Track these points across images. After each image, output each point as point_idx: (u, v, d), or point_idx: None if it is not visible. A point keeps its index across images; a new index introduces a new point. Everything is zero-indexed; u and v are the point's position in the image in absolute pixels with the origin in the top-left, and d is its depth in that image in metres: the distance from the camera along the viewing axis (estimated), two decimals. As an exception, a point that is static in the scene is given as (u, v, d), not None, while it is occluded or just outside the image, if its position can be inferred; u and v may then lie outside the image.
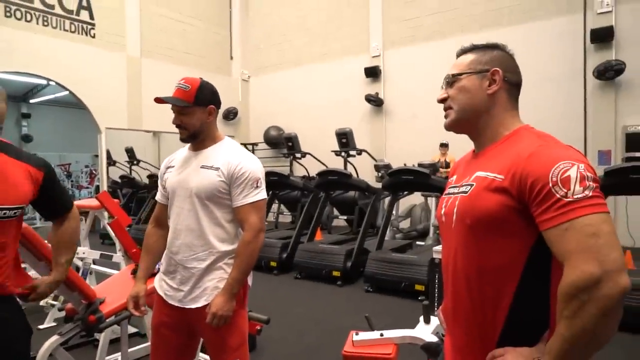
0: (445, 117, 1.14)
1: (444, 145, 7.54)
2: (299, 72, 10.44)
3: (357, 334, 1.86)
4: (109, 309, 2.22)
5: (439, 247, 3.00)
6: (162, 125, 9.68)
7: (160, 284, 1.81)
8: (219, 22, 11.04)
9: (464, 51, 1.14)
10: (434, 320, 1.94)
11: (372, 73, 9.14)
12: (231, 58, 11.31)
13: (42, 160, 1.53)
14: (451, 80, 1.12)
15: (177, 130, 1.75)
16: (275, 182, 6.26)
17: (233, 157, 1.72)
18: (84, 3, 8.44)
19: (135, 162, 10.03)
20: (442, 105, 1.16)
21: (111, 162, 9.48)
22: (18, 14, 7.56)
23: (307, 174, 8.28)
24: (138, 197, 9.25)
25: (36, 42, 7.71)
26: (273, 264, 5.62)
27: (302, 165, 8.35)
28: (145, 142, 11.73)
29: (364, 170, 7.52)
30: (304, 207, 6.36)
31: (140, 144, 11.04)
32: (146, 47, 9.37)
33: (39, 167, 1.50)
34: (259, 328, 3.04)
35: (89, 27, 8.51)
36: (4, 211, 1.36)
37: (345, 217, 7.39)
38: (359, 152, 7.12)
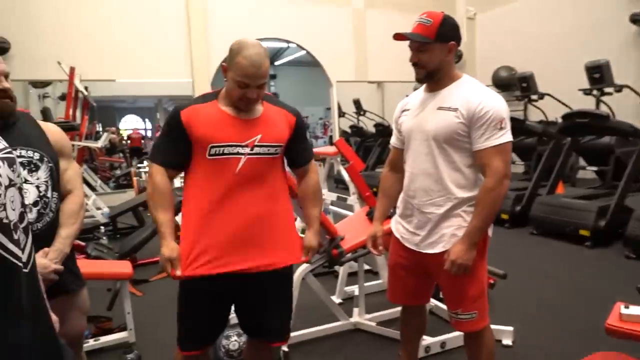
0: None
1: None
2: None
3: (626, 307, 1.51)
4: (348, 246, 2.41)
5: None
6: (385, 75, 9.89)
7: (396, 226, 1.82)
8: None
9: None
10: None
11: (642, -15, 7.11)
12: (455, -5, 10.51)
13: (294, 108, 1.67)
14: None
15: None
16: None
17: (473, 96, 1.56)
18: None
19: (362, 113, 10.60)
20: None
21: (341, 113, 10.25)
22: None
23: (545, 118, 7.24)
24: (366, 146, 9.81)
25: (276, 8, 8.68)
26: (504, 216, 5.21)
27: (538, 108, 7.33)
28: (370, 93, 12.24)
29: (624, 112, 6.10)
30: (542, 156, 5.61)
31: (366, 95, 11.58)
32: (370, -2, 9.53)
33: (292, 113, 1.64)
34: (492, 282, 2.87)
35: (318, -14, 9.10)
36: (268, 148, 1.54)
37: (595, 169, 6.22)
38: (618, 88, 5.76)
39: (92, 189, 7.00)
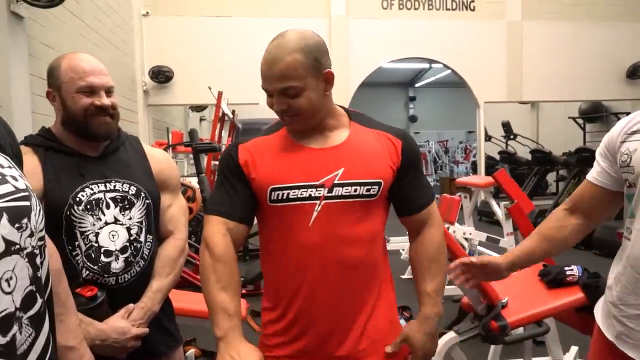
0: None
1: None
2: None
3: None
4: (514, 319, 1.78)
5: None
6: (542, 95, 8.65)
7: (608, 320, 1.16)
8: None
9: None
10: None
11: None
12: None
13: (400, 129, 1.15)
14: None
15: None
16: None
17: None
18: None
19: (511, 137, 9.46)
20: None
21: (487, 137, 9.28)
22: (408, 4, 8.26)
23: None
24: (517, 174, 8.67)
25: (422, 27, 8.22)
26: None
27: None
28: (523, 114, 10.94)
29: None
30: None
31: (517, 117, 10.35)
32: (528, 8, 8.46)
33: (397, 134, 1.12)
34: None
35: (470, 0, 8.40)
36: (357, 187, 1.03)
37: None
38: None
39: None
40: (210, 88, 6.30)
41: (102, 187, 1.18)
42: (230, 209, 1.05)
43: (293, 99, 1.01)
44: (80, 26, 4.78)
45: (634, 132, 1.12)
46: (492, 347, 2.55)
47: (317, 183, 1.03)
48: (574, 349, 2.48)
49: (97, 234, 1.14)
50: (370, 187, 1.05)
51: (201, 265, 1.03)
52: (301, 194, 1.03)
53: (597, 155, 1.23)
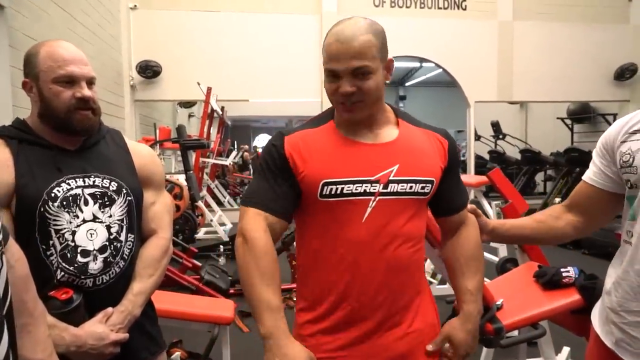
0: None
1: None
2: None
3: None
4: (510, 321, 1.73)
5: None
6: (532, 95, 8.68)
7: (606, 327, 1.10)
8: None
9: None
10: None
11: None
12: (630, -1, 8.80)
13: (444, 130, 1.15)
14: None
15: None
16: None
17: None
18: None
19: (500, 137, 9.49)
20: None
21: (476, 136, 9.31)
22: (400, 3, 8.24)
23: None
24: (506, 174, 8.70)
25: (413, 25, 8.19)
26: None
27: None
28: (512, 114, 10.99)
29: None
30: None
31: (506, 117, 10.40)
32: (520, 9, 8.48)
33: (443, 134, 1.12)
34: None
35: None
36: (412, 184, 1.02)
37: None
38: None
39: (220, 204, 7.20)
40: (199, 84, 6.20)
41: (80, 183, 1.10)
42: (273, 203, 1.00)
43: (362, 81, 0.98)
44: (66, 18, 4.65)
45: (636, 132, 1.08)
46: (484, 351, 2.52)
47: (372, 178, 1.01)
48: (566, 350, 2.46)
49: (73, 233, 1.07)
50: (424, 184, 1.04)
51: (241, 259, 0.98)
52: (356, 189, 1.00)
53: (594, 154, 1.19)
